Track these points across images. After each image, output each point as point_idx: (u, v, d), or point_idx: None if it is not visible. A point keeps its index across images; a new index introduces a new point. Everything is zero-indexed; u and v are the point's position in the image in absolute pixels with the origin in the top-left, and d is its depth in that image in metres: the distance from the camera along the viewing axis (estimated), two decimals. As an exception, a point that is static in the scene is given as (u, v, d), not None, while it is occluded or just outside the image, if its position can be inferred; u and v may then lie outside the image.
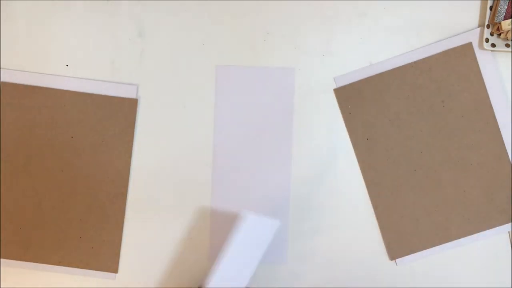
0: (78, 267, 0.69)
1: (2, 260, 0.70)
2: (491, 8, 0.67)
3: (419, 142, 0.69)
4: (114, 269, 0.69)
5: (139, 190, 0.70)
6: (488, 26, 0.67)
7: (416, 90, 0.69)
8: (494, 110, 0.68)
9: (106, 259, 0.69)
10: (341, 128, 0.70)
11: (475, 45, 0.69)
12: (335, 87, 0.70)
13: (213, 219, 0.69)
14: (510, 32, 0.66)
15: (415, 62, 0.69)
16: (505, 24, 0.65)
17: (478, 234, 0.68)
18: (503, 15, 0.66)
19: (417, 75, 0.69)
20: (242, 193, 0.69)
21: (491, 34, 0.67)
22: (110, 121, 0.69)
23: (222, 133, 0.70)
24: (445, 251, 0.69)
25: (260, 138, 0.69)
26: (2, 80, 0.70)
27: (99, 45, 0.70)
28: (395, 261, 0.69)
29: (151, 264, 0.70)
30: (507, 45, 0.67)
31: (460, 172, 0.68)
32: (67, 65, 0.70)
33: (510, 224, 0.68)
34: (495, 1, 0.67)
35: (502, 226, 0.68)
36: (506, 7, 0.66)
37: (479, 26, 0.69)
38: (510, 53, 0.69)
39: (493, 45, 0.67)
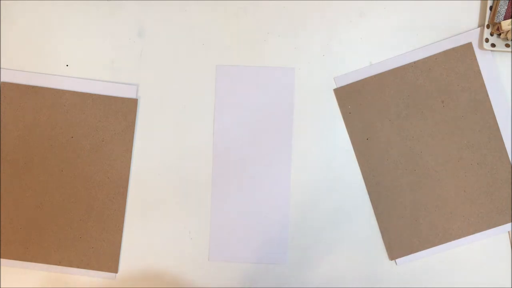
0: (78, 267, 0.69)
1: (2, 260, 0.70)
2: (491, 8, 0.67)
3: (419, 142, 0.69)
4: (114, 269, 0.69)
5: (139, 190, 0.70)
6: (488, 26, 0.67)
7: (416, 90, 0.69)
8: (494, 110, 0.68)
9: (106, 259, 0.69)
10: (341, 128, 0.70)
11: (475, 45, 0.69)
12: (335, 87, 0.70)
13: (213, 219, 0.69)
14: (510, 32, 0.66)
15: (415, 62, 0.69)
16: (505, 24, 0.65)
17: (478, 234, 0.68)
18: (503, 15, 0.66)
19: (417, 75, 0.69)
20: (242, 193, 0.69)
21: (491, 34, 0.67)
22: (110, 121, 0.69)
23: (222, 133, 0.70)
24: (445, 251, 0.69)
25: (260, 138, 0.69)
26: (2, 80, 0.70)
27: (99, 45, 0.70)
28: (395, 261, 0.69)
29: (151, 264, 0.70)
30: (507, 45, 0.67)
31: (460, 172, 0.68)
32: (67, 65, 0.70)
33: (510, 224, 0.68)
34: (495, 1, 0.67)
35: (502, 226, 0.68)
36: (506, 7, 0.66)
37: (479, 26, 0.69)
38: (510, 53, 0.69)
39: (493, 45, 0.67)
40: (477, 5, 0.69)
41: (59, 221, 0.69)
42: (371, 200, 0.69)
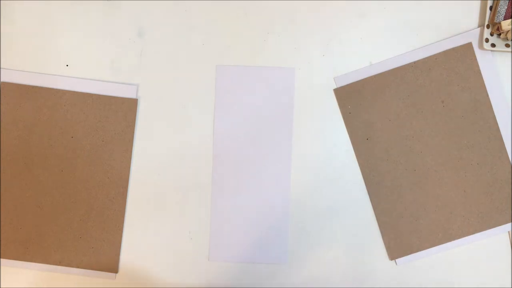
0: (78, 267, 0.69)
1: (2, 260, 0.70)
2: (491, 8, 0.67)
3: (419, 142, 0.69)
4: (114, 269, 0.69)
5: (139, 190, 0.70)
6: (488, 26, 0.67)
7: (416, 90, 0.69)
8: (494, 110, 0.68)
9: (106, 259, 0.69)
10: (341, 128, 0.70)
11: (475, 45, 0.69)
12: (335, 87, 0.70)
13: (213, 219, 0.69)
14: (510, 32, 0.66)
15: (415, 62, 0.69)
16: (505, 24, 0.65)
17: (478, 234, 0.68)
18: (503, 15, 0.66)
19: (417, 75, 0.69)
20: (242, 193, 0.69)
21: (491, 34, 0.67)
22: (110, 121, 0.69)
23: (222, 133, 0.70)
24: (445, 251, 0.69)
25: (260, 138, 0.69)
26: (2, 80, 0.70)
27: (99, 45, 0.70)
28: (395, 261, 0.69)
29: (151, 264, 0.70)
30: (507, 45, 0.67)
31: (460, 172, 0.68)
32: (67, 65, 0.70)
33: (510, 224, 0.68)
34: (495, 1, 0.67)
35: (502, 226, 0.68)
36: (506, 7, 0.66)
37: (479, 26, 0.69)
38: (510, 53, 0.69)
39: (493, 45, 0.67)
40: (477, 5, 0.69)
41: (59, 221, 0.69)
42: (371, 200, 0.69)
